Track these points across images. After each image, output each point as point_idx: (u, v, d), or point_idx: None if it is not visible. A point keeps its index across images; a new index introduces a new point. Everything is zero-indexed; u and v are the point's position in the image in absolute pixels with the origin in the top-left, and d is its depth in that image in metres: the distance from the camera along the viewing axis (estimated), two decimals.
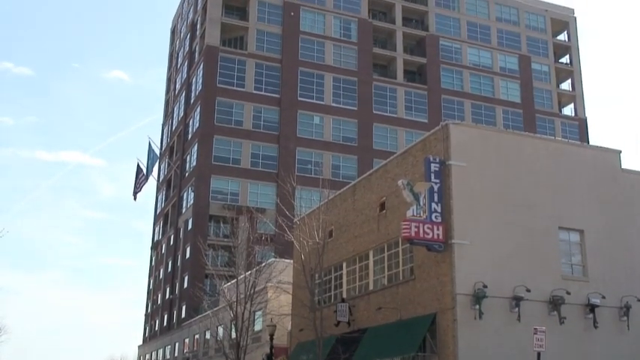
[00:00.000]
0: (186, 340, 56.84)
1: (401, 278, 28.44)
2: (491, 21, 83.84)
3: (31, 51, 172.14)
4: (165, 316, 72.74)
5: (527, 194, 27.13)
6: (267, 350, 35.73)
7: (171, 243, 74.35)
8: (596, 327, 26.41)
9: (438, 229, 25.43)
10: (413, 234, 25.24)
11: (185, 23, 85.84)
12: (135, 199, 75.65)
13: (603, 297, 26.59)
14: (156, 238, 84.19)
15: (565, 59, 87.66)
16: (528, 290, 25.28)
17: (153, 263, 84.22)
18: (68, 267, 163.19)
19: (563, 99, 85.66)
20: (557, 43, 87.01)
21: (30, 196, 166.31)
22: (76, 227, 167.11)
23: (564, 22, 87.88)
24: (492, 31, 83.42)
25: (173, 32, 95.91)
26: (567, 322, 25.91)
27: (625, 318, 27.04)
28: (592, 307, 26.44)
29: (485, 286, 24.72)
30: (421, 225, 25.32)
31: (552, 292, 26.01)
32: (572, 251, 27.63)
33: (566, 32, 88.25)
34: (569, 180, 28.14)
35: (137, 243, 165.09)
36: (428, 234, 25.31)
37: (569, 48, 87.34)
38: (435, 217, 25.60)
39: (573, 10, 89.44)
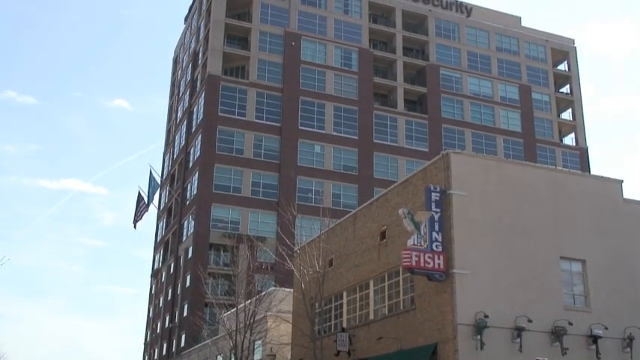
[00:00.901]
0: None
1: (401, 308, 28.24)
2: (491, 51, 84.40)
3: (34, 80, 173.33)
4: (165, 345, 72.14)
5: (529, 224, 27.05)
6: None
7: (171, 271, 74.03)
8: (598, 358, 26.12)
9: (438, 259, 25.34)
10: (414, 263, 25.16)
11: (187, 52, 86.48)
12: (135, 227, 75.75)
13: (606, 328, 26.36)
14: (156, 267, 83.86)
15: (565, 89, 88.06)
16: (530, 321, 25.08)
17: (153, 291, 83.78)
18: (68, 295, 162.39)
19: (564, 128, 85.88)
20: (557, 73, 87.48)
21: (31, 224, 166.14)
22: (76, 255, 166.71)
23: (564, 52, 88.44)
24: (493, 60, 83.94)
25: (175, 61, 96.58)
26: (570, 353, 25.65)
27: (628, 349, 26.77)
28: (595, 338, 26.18)
29: (486, 316, 24.54)
30: (422, 254, 25.23)
31: (554, 322, 25.80)
32: (574, 281, 27.48)
33: (566, 62, 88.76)
34: (571, 210, 28.09)
35: (137, 271, 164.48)
36: (429, 263, 25.22)
37: (570, 78, 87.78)
38: (436, 246, 25.52)
39: (573, 40, 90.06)
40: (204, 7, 79.59)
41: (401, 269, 27.76)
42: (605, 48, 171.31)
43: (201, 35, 78.79)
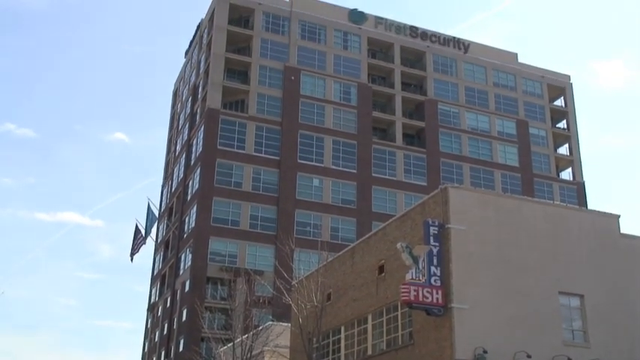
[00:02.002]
0: None
1: (400, 343, 28.06)
2: (488, 86, 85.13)
3: (33, 113, 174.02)
4: None
5: (527, 258, 27.05)
6: None
7: (168, 305, 73.51)
8: None
9: (437, 293, 25.26)
10: (412, 298, 25.07)
11: (187, 86, 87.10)
12: (132, 260, 75.31)
13: None
14: (152, 300, 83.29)
15: (562, 124, 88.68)
16: (529, 356, 24.92)
17: (148, 326, 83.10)
18: (63, 329, 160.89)
19: (561, 163, 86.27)
20: (554, 109, 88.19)
21: (27, 257, 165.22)
22: (72, 288, 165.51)
23: (561, 87, 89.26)
24: (490, 96, 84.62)
25: (175, 94, 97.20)
26: None
27: None
28: None
29: (485, 352, 24.39)
30: (420, 289, 25.16)
31: (553, 358, 25.64)
32: (573, 316, 27.39)
33: (562, 98, 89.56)
34: (569, 244, 28.11)
35: (133, 305, 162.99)
36: (427, 298, 25.14)
37: (566, 113, 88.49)
38: (434, 280, 25.46)
39: (569, 76, 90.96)
40: (204, 42, 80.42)
41: (399, 304, 27.64)
42: (600, 85, 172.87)
43: (202, 69, 79.43)
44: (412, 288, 25.15)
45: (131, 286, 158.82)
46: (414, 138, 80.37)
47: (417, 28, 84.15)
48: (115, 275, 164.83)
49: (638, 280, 28.93)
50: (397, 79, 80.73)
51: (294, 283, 36.37)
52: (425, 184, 75.03)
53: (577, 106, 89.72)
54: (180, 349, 64.42)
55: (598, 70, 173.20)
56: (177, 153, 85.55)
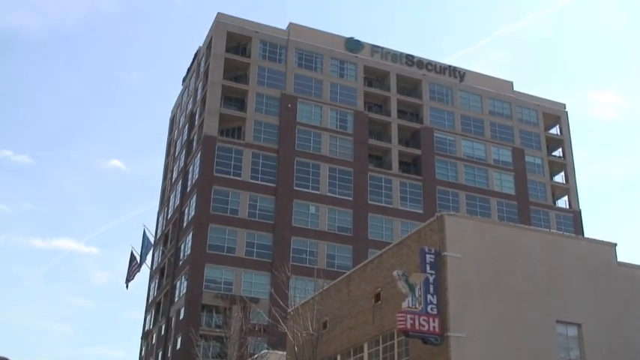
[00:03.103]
0: None
1: None
2: (484, 114, 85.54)
3: (30, 139, 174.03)
4: None
5: (524, 286, 26.95)
6: None
7: (163, 333, 72.89)
8: None
9: (433, 322, 25.11)
10: (408, 326, 24.91)
11: (184, 113, 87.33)
12: (127, 287, 74.78)
13: None
14: (147, 328, 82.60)
15: (558, 152, 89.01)
16: None
17: (143, 354, 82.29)
18: (56, 357, 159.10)
19: (557, 191, 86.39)
20: (549, 137, 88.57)
21: (21, 283, 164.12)
22: (65, 316, 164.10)
23: (556, 116, 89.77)
24: (486, 124, 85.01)
25: (172, 122, 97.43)
26: None
27: None
28: None
29: None
30: (417, 317, 25.01)
31: None
32: (571, 345, 27.22)
33: (558, 126, 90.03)
34: (566, 273, 28.04)
35: (127, 333, 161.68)
36: (424, 326, 24.98)
37: (562, 141, 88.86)
38: (431, 308, 25.32)
39: (564, 104, 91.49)
40: (202, 69, 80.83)
41: (396, 332, 27.45)
42: (594, 114, 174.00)
43: (199, 96, 79.74)
44: (408, 316, 25.00)
45: (125, 314, 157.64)
46: (410, 166, 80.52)
47: (412, 57, 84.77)
48: (110, 302, 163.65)
49: (635, 309, 28.81)
50: (393, 107, 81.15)
51: (289, 310, 36.15)
52: (421, 211, 75.00)
53: (572, 134, 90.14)
54: None
55: (592, 100, 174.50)
56: (173, 180, 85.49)
